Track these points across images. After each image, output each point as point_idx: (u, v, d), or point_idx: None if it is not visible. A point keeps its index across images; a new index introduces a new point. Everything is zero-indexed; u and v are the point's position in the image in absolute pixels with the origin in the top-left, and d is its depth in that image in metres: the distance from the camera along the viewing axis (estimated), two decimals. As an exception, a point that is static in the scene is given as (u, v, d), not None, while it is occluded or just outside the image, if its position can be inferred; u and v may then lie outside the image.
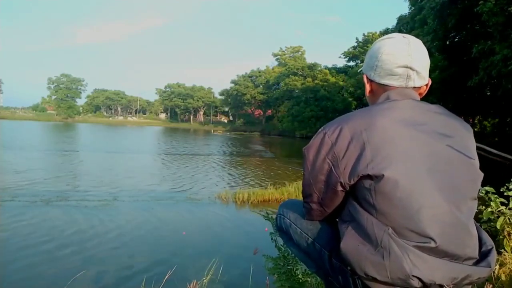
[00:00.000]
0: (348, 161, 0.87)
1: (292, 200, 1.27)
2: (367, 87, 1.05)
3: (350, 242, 0.87)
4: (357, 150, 0.86)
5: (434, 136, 0.88)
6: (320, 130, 0.95)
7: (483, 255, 0.88)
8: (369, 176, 0.84)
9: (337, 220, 0.99)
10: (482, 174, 0.91)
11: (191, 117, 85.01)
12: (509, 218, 2.21)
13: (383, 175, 0.82)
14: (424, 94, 1.02)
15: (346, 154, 0.87)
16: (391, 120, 0.87)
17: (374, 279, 0.83)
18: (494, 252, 0.90)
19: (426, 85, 1.01)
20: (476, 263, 0.86)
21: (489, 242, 0.92)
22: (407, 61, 0.95)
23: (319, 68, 57.21)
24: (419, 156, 0.85)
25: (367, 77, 1.04)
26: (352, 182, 0.87)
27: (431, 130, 0.89)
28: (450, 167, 0.87)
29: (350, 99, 49.83)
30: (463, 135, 0.93)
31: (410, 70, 0.95)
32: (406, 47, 0.95)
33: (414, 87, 0.98)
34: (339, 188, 0.91)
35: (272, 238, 1.84)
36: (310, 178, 0.97)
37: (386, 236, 0.81)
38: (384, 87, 0.99)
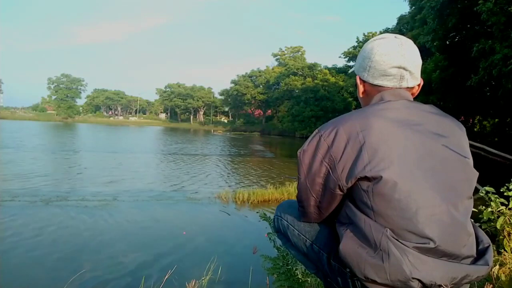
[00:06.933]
0: (346, 164, 0.86)
1: (289, 201, 1.26)
2: (360, 88, 1.05)
3: (349, 245, 0.87)
4: (354, 152, 0.85)
5: (430, 136, 0.88)
6: (315, 132, 0.94)
7: (481, 254, 0.88)
8: (366, 178, 0.83)
9: (336, 222, 0.99)
10: (477, 173, 0.91)
11: (191, 117, 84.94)
12: (509, 218, 2.20)
13: (381, 177, 0.81)
14: (416, 94, 1.02)
15: (343, 156, 0.87)
16: (387, 121, 0.87)
17: (374, 281, 0.83)
18: (491, 250, 0.90)
19: (418, 85, 1.00)
20: (474, 261, 0.87)
21: (486, 240, 0.92)
22: (401, 61, 0.94)
23: (319, 68, 57.31)
24: (416, 156, 0.85)
25: (360, 78, 1.04)
26: (350, 185, 0.87)
27: (427, 130, 0.89)
28: (447, 167, 0.87)
29: (350, 99, 49.90)
30: (457, 135, 0.93)
31: (404, 71, 0.95)
32: (399, 47, 0.95)
33: (407, 87, 0.98)
34: (338, 191, 0.90)
35: (270, 239, 1.84)
36: (306, 182, 0.96)
37: (384, 238, 0.81)
38: (378, 88, 0.99)
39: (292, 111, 52.51)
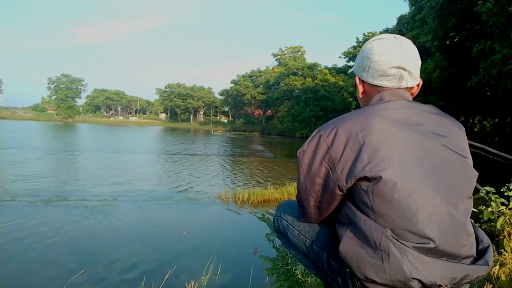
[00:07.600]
0: (345, 164, 0.86)
1: (289, 201, 1.26)
2: (360, 89, 1.05)
3: (349, 245, 0.87)
4: (354, 152, 0.85)
5: (430, 136, 0.88)
6: (314, 133, 0.94)
7: (481, 254, 0.88)
8: (366, 178, 0.83)
9: (336, 222, 0.99)
10: (477, 173, 0.91)
11: (191, 117, 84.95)
12: (509, 218, 2.20)
13: (380, 177, 0.81)
14: (415, 94, 1.02)
15: (342, 156, 0.87)
16: (387, 121, 0.87)
17: (374, 282, 0.83)
18: (491, 250, 0.90)
19: (418, 85, 1.00)
20: (474, 261, 0.87)
21: (486, 240, 0.92)
22: (400, 61, 0.94)
23: (319, 68, 57.36)
24: (416, 156, 0.85)
25: (359, 79, 1.04)
26: (350, 185, 0.87)
27: (426, 130, 0.89)
28: (446, 167, 0.87)
29: (350, 99, 49.94)
30: (457, 135, 0.93)
31: (403, 71, 0.95)
32: (398, 47, 0.95)
33: (407, 87, 0.98)
34: (338, 191, 0.90)
35: (268, 239, 1.84)
36: (306, 182, 0.96)
37: (384, 239, 0.81)
38: (377, 88, 0.99)
39: (292, 111, 52.54)
